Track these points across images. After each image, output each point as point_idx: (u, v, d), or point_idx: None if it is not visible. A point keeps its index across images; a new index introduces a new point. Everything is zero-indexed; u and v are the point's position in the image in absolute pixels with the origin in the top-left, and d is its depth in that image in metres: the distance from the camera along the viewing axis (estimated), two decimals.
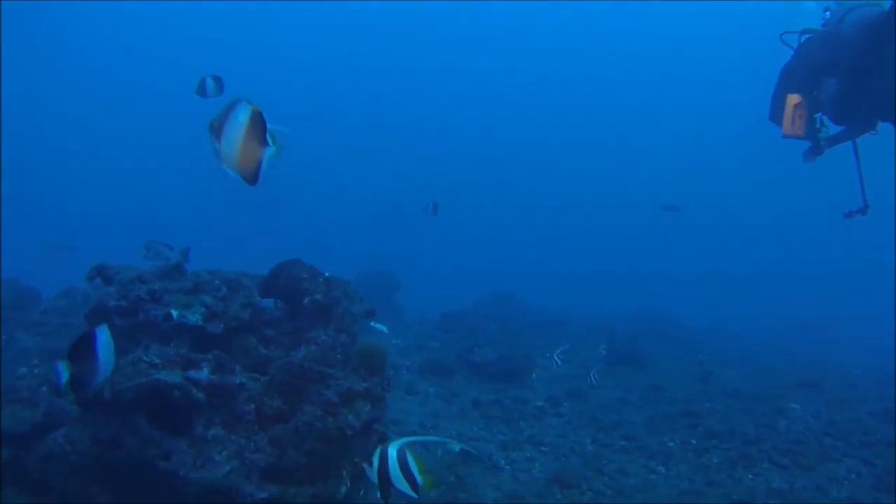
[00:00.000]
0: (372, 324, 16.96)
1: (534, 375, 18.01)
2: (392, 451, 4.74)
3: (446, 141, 74.49)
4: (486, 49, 74.09)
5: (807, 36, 7.86)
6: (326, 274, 9.73)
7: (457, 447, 12.25)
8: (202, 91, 9.82)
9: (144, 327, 8.48)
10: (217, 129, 3.57)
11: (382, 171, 66.72)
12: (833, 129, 7.73)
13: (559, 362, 11.26)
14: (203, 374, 7.35)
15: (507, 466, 11.64)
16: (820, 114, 7.47)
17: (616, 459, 12.13)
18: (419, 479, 4.83)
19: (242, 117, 3.58)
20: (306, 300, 9.14)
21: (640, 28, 70.92)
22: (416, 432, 12.85)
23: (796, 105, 7.18)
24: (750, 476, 11.72)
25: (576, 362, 20.33)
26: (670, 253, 59.96)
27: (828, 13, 7.31)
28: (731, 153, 68.41)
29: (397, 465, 4.65)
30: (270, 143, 3.70)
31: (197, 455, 7.09)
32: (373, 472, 4.77)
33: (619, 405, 15.51)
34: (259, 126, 3.64)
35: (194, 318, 8.50)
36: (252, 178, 3.66)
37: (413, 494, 4.84)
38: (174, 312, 8.47)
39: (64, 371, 5.44)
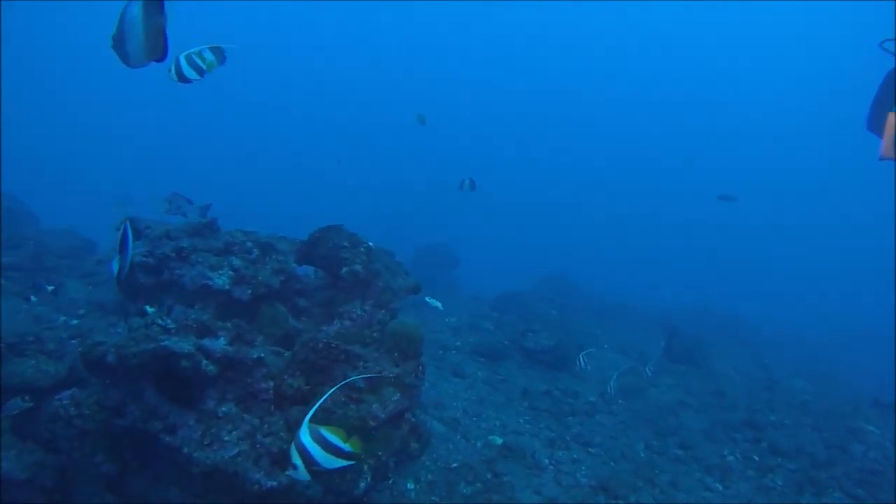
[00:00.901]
0: (427, 299, 16.16)
1: (588, 367, 16.83)
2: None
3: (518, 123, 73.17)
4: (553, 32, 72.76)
5: None
6: (370, 244, 8.82)
7: (499, 440, 11.31)
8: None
9: (169, 287, 7.76)
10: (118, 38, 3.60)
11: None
12: None
13: (583, 364, 10.18)
14: (219, 343, 6.53)
15: (551, 466, 10.63)
16: None
17: (669, 469, 10.98)
18: (344, 446, 4.65)
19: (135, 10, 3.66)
20: (344, 270, 8.25)
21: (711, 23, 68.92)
22: (457, 419, 11.93)
23: None
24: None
25: (633, 354, 19.11)
26: (736, 247, 57.65)
27: None
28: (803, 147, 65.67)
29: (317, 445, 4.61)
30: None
31: (205, 432, 6.31)
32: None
33: (676, 408, 14.27)
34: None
35: (221, 280, 7.72)
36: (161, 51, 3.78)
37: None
38: (205, 273, 7.71)
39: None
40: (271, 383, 6.93)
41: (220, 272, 7.75)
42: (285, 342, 7.92)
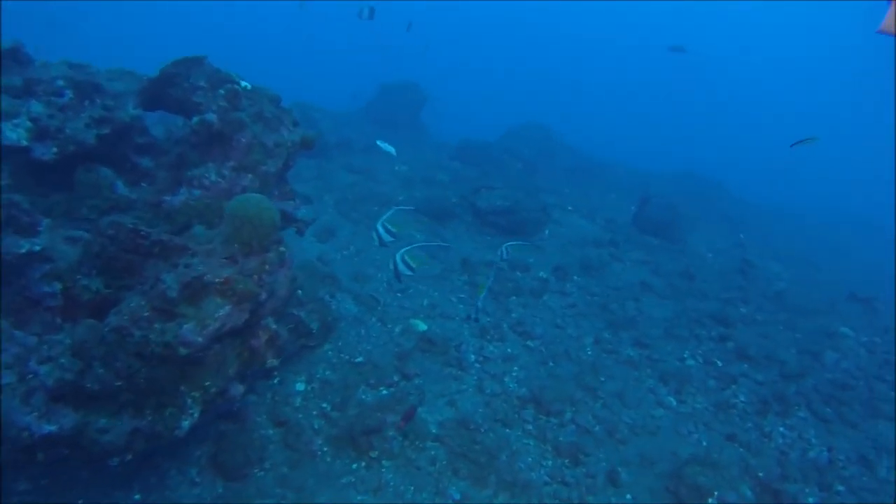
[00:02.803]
0: (379, 143, 13.66)
1: (546, 232, 14.73)
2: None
3: None
4: None
5: None
6: (242, 83, 6.27)
7: (422, 326, 9.33)
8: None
9: None
10: None
11: None
12: None
13: (505, 256, 8.12)
14: None
15: (476, 365, 8.71)
16: None
17: (618, 375, 9.13)
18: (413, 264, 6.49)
19: None
20: (195, 121, 5.77)
21: None
22: (377, 296, 9.89)
23: None
24: (781, 429, 8.73)
25: (600, 220, 17.00)
26: (727, 115, 54.91)
27: None
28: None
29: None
30: None
31: None
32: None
33: (638, 291, 12.32)
34: None
35: (14, 134, 5.24)
36: None
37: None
38: None
39: None
40: (58, 285, 4.69)
41: (16, 122, 5.26)
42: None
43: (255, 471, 6.42)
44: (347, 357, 8.19)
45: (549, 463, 7.20)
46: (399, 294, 10.25)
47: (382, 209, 13.31)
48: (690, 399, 8.94)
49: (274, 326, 5.59)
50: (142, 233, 4.70)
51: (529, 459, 7.16)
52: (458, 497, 6.50)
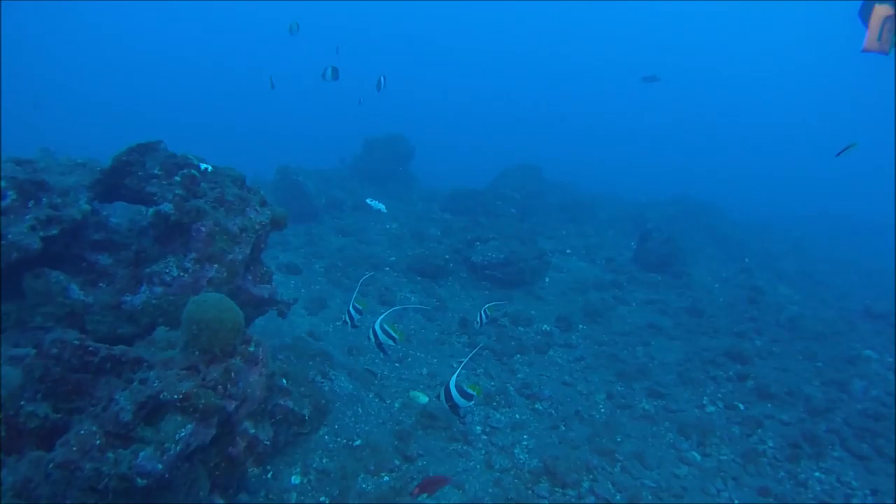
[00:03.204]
0: (368, 201, 13.30)
1: (547, 280, 14.22)
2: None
3: None
4: None
5: None
6: (203, 166, 5.83)
7: (422, 399, 8.75)
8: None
9: None
10: None
11: None
12: None
13: (485, 319, 7.70)
14: None
15: (483, 436, 8.11)
16: None
17: (635, 433, 8.52)
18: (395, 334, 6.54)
19: None
20: (150, 212, 5.31)
21: None
22: (373, 369, 9.34)
23: (886, 17, 6.06)
24: (817, 474, 8.09)
25: (601, 260, 16.51)
26: (710, 140, 55.05)
27: None
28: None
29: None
30: None
31: None
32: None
33: (647, 335, 11.76)
34: None
35: None
36: None
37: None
38: None
39: None
40: None
41: None
42: (71, 326, 5.12)
43: None
44: (345, 441, 7.59)
45: None
46: (397, 364, 9.69)
47: (377, 272, 12.87)
48: (715, 451, 8.31)
49: (253, 431, 5.06)
50: (90, 349, 4.20)
51: None
52: None
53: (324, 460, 7.28)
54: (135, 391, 4.13)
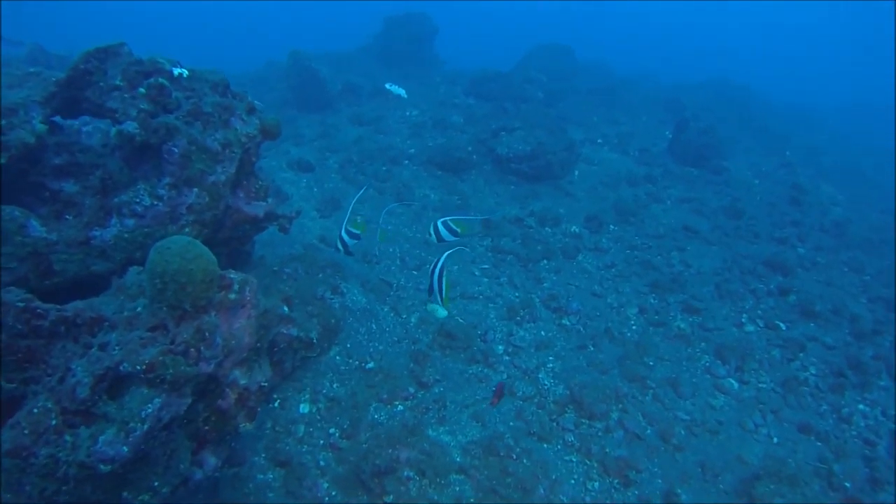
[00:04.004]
0: (387, 86, 12.23)
1: (576, 173, 13.19)
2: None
3: None
4: None
5: None
6: (176, 71, 4.84)
7: (441, 313, 8.07)
8: None
9: None
10: None
11: None
12: None
13: (445, 234, 6.55)
14: None
15: (506, 358, 7.48)
16: None
17: (669, 355, 7.83)
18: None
19: None
20: (112, 132, 4.40)
21: None
22: (388, 279, 8.62)
23: None
24: (861, 406, 7.43)
25: (633, 151, 15.36)
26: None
27: None
28: None
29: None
30: None
31: None
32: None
33: (682, 238, 10.87)
34: None
35: None
36: None
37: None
38: None
39: None
40: None
41: None
42: (37, 267, 4.36)
43: None
44: (357, 363, 7.00)
45: (596, 485, 6.02)
46: (414, 272, 8.97)
47: (394, 166, 11.94)
48: (754, 378, 7.64)
49: (243, 381, 4.39)
50: (38, 311, 3.45)
51: (573, 482, 5.98)
52: None
53: (334, 385, 6.71)
54: (93, 360, 3.42)
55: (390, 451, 5.71)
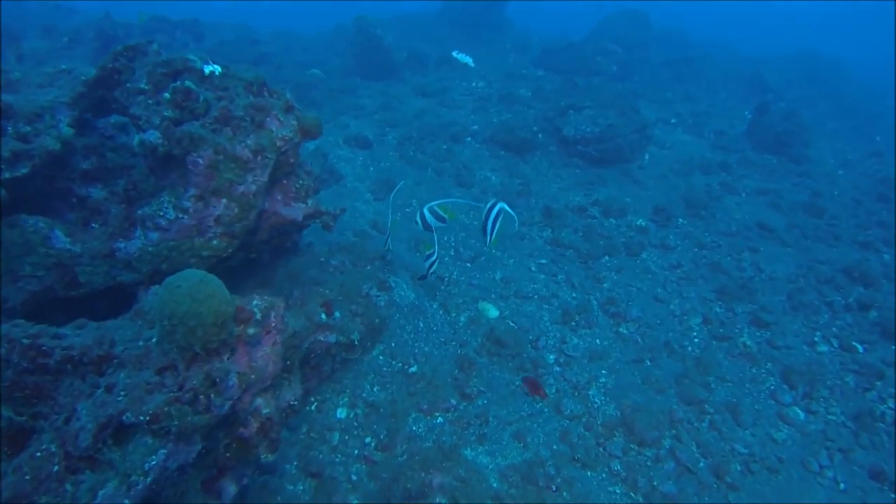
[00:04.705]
0: (454, 54, 11.78)
1: (647, 157, 12.45)
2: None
3: None
4: None
5: None
6: (207, 69, 4.47)
7: (493, 312, 7.66)
8: None
9: None
10: None
11: None
12: None
13: (432, 221, 5.93)
14: None
15: (556, 369, 7.04)
16: None
17: (731, 375, 7.25)
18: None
19: None
20: (135, 141, 4.08)
21: None
22: (440, 272, 8.23)
23: None
24: None
25: (709, 133, 14.44)
26: None
27: None
28: None
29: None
30: None
31: None
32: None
33: (755, 237, 10.11)
34: None
35: None
36: None
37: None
38: None
39: None
40: None
41: None
42: (62, 278, 4.13)
43: None
44: (400, 365, 6.68)
45: None
46: (468, 264, 8.55)
47: (455, 144, 11.44)
48: (823, 407, 7.00)
49: (266, 411, 4.10)
50: (43, 349, 3.19)
51: None
52: None
53: (375, 388, 6.41)
54: (98, 404, 3.16)
55: (423, 474, 5.38)
